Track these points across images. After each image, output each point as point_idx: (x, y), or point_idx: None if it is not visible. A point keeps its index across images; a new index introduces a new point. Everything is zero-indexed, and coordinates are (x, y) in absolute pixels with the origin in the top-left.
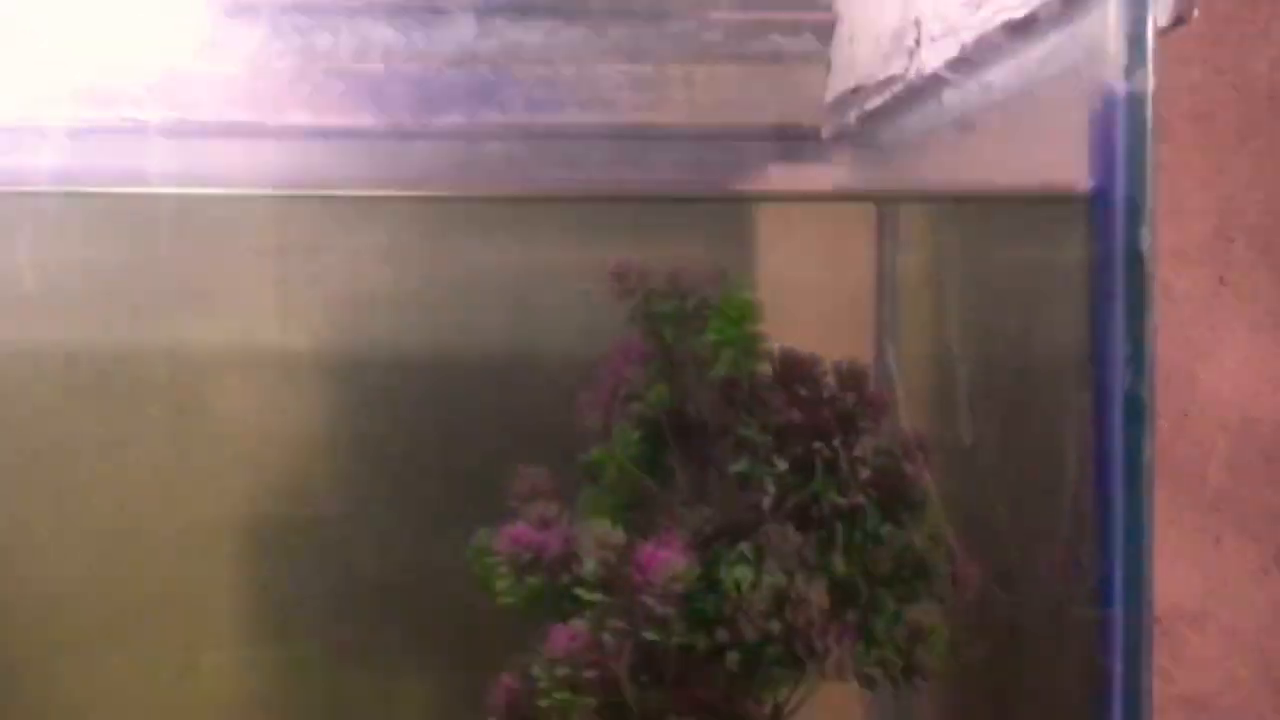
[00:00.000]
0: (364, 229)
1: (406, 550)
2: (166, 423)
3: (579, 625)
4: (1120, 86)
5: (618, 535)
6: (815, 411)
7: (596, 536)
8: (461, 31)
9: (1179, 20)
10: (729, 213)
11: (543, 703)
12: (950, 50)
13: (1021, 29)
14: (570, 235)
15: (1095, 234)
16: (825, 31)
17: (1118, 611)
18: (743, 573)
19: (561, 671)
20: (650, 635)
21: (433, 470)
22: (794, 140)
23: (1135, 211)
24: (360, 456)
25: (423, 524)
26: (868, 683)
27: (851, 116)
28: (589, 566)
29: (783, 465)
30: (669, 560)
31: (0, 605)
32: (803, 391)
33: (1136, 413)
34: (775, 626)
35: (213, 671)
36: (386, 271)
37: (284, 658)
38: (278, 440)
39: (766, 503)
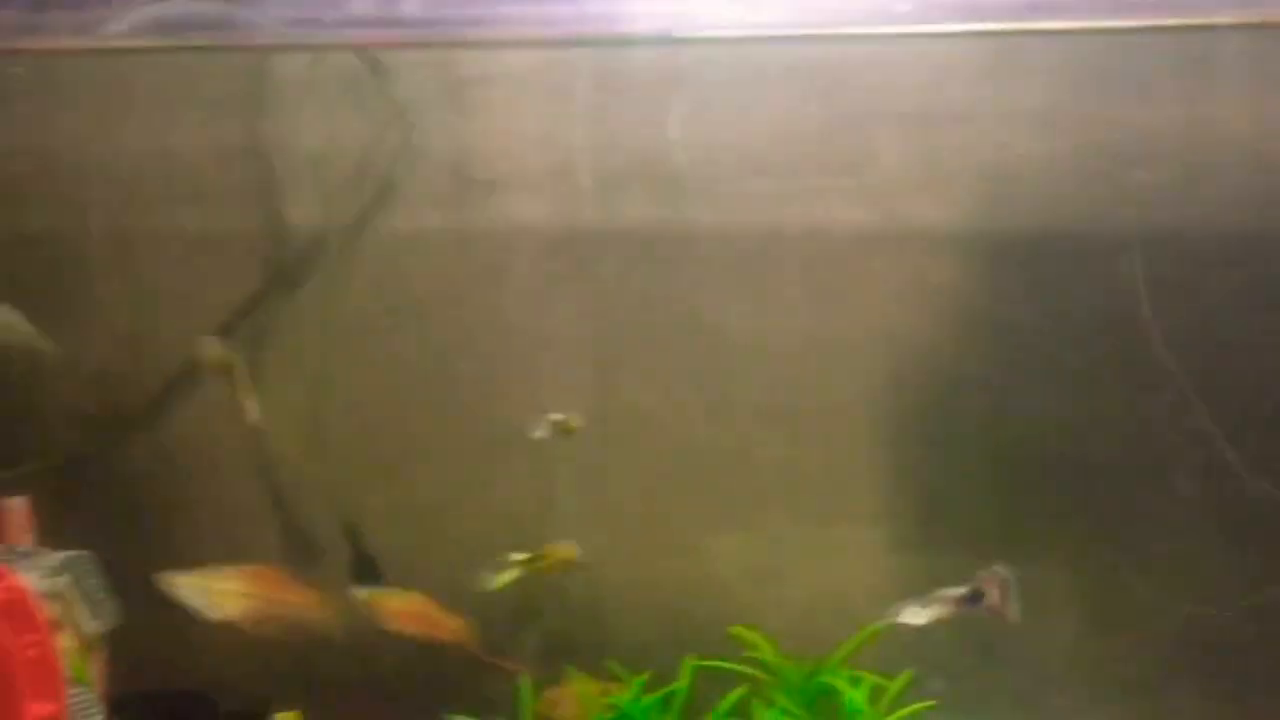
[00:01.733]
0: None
1: (1073, 437)
2: (811, 301)
3: None
4: None
5: None
6: None
7: None
8: None
9: None
10: None
11: None
12: None
13: None
14: None
15: None
16: None
17: None
18: None
19: None
20: None
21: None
22: None
23: None
24: (1026, 339)
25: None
26: None
27: None
28: None
29: None
30: None
31: (651, 478)
32: None
33: None
34: None
35: (851, 549)
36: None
37: (925, 540)
38: (925, 319)
39: None
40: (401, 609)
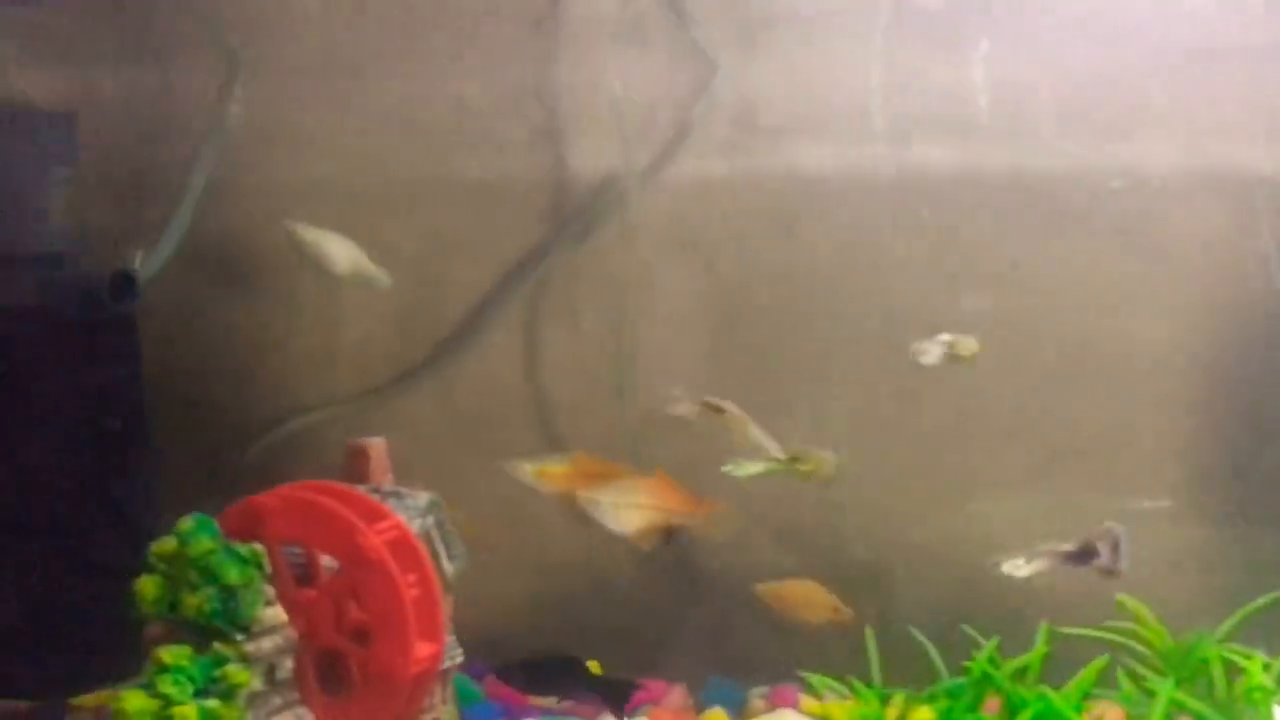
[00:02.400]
0: None
1: None
2: (1119, 251)
3: None
4: None
5: None
6: None
7: None
8: None
9: None
10: None
11: None
12: None
13: None
14: None
15: None
16: None
17: None
18: None
19: None
20: None
21: None
22: None
23: None
24: None
25: None
26: None
27: None
28: None
29: None
30: None
31: (936, 430)
32: None
33: None
34: None
35: (1145, 521)
36: None
37: (1228, 514)
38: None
39: None
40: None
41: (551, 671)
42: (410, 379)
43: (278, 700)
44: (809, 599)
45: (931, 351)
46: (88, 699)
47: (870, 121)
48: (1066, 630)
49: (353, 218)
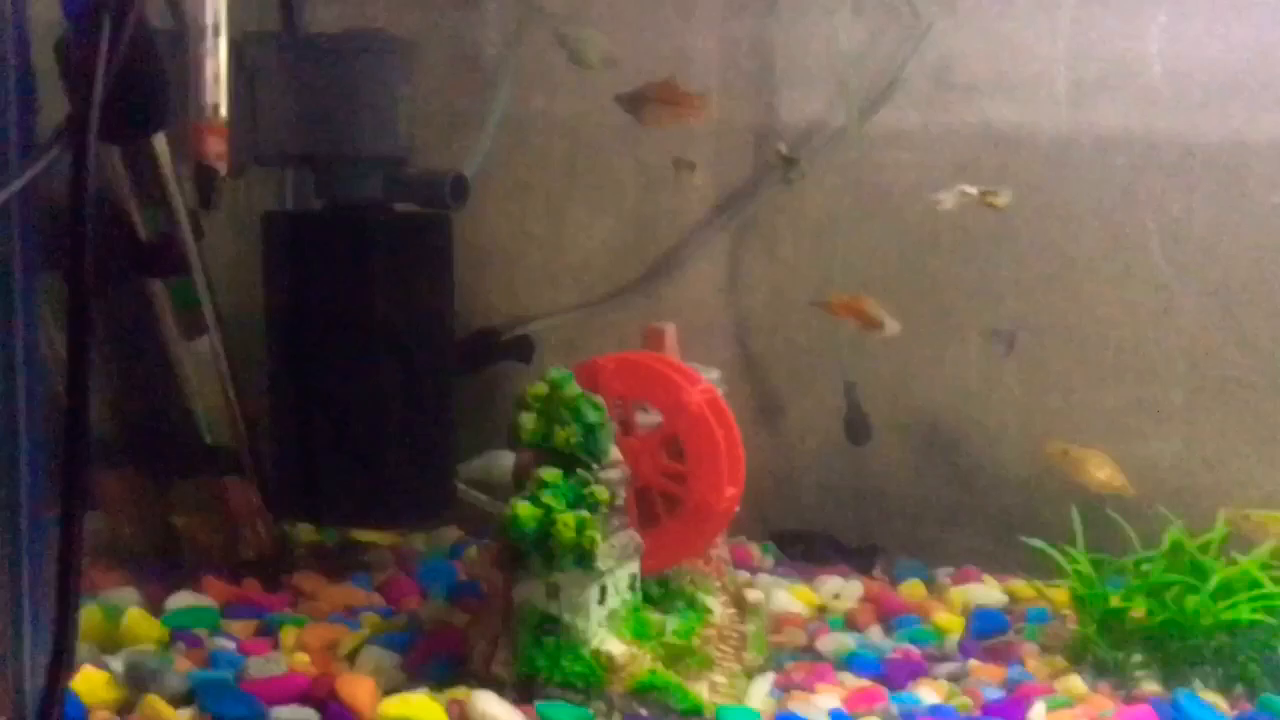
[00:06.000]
0: None
1: None
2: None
3: None
4: None
5: None
6: None
7: None
8: None
9: None
10: None
11: None
12: None
13: None
14: None
15: None
16: None
17: None
18: None
19: None
20: None
21: None
22: None
23: None
24: None
25: None
26: None
27: None
28: None
29: None
30: None
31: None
32: None
33: None
34: None
35: None
36: None
37: None
38: None
39: None
40: None
41: (813, 541)
42: (623, 296)
43: (616, 521)
44: (1098, 465)
45: (947, 200)
46: (384, 537)
47: (1053, 85)
48: (1246, 512)
49: (575, 150)
